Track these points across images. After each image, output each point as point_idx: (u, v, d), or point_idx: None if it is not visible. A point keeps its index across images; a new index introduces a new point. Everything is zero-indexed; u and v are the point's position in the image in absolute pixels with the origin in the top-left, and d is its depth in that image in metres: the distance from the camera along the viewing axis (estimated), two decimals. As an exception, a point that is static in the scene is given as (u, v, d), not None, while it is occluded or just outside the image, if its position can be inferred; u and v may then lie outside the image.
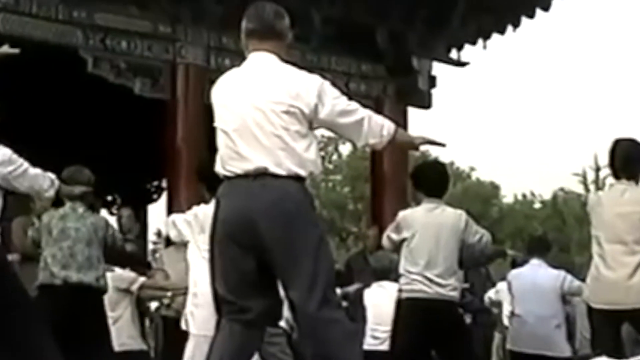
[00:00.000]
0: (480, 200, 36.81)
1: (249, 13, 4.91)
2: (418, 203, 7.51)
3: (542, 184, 49.72)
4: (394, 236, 7.40)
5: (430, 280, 7.21)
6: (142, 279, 9.83)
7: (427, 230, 7.24)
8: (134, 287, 9.78)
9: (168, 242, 10.85)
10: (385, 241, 7.59)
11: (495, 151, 57.39)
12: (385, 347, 9.36)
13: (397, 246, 7.46)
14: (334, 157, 39.20)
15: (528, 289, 8.89)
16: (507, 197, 40.47)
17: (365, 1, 12.90)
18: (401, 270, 7.33)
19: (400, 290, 7.37)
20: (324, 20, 12.60)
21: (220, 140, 4.76)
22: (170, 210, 12.00)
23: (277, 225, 4.56)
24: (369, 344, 9.39)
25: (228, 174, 4.68)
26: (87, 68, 11.36)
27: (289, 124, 4.64)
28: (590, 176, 34.42)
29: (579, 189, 34.96)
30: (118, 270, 9.58)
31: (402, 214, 7.44)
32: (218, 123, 4.79)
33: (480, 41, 14.23)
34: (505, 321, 10.42)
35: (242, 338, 4.70)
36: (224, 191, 4.73)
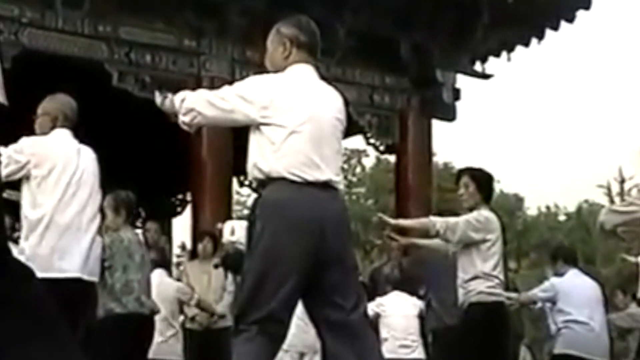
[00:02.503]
0: (504, 212, 36.60)
1: (302, 25, 4.95)
2: (471, 208, 7.32)
3: (566, 196, 49.50)
4: (474, 235, 7.18)
5: (501, 284, 7.29)
6: (197, 295, 9.85)
7: (500, 236, 7.31)
8: (193, 302, 9.82)
9: (192, 255, 10.89)
10: (450, 234, 7.18)
11: (519, 163, 57.22)
12: (416, 355, 9.45)
13: (463, 244, 7.28)
14: (358, 169, 39.17)
15: (583, 297, 8.91)
16: (531, 209, 40.29)
17: (389, 14, 12.91)
18: (478, 272, 7.18)
19: (479, 293, 7.19)
20: (348, 33, 12.63)
21: (289, 141, 4.67)
22: (195, 223, 12.04)
23: (341, 236, 4.73)
24: (398, 353, 9.45)
25: (294, 178, 4.65)
26: (112, 82, 11.43)
27: (341, 142, 4.93)
28: (615, 188, 34.26)
29: (604, 201, 34.74)
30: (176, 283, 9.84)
31: (486, 214, 7.29)
32: (284, 121, 4.69)
33: (504, 53, 14.21)
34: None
35: (268, 352, 4.71)
36: (288, 195, 4.66)
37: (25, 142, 6.11)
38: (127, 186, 8.19)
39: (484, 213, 7.30)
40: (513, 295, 9.07)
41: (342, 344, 4.68)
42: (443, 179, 27.36)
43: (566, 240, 31.15)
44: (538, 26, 13.71)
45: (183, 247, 12.34)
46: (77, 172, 6.11)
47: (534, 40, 13.91)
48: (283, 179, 4.65)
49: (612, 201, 33.56)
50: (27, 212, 6.05)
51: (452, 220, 7.26)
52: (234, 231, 7.64)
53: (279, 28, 4.94)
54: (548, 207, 40.43)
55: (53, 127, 6.27)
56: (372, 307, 9.59)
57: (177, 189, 17.46)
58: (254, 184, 4.82)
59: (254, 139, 4.77)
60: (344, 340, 4.69)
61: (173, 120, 4.93)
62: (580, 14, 13.48)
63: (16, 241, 8.88)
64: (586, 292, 8.98)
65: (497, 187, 41.50)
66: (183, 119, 4.84)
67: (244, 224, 7.35)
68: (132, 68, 11.50)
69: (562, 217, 40.16)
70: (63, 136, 6.26)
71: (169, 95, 4.94)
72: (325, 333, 4.74)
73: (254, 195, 5.08)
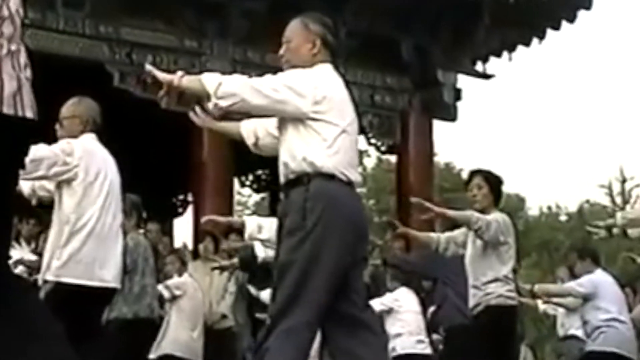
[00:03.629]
0: (505, 212, 36.61)
1: (328, 25, 4.94)
2: (482, 210, 7.22)
3: (568, 196, 49.58)
4: (501, 236, 7.13)
5: (515, 288, 7.36)
6: None
7: (515, 240, 7.33)
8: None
9: (195, 255, 10.89)
10: (486, 232, 7.06)
11: (521, 163, 57.20)
12: (428, 350, 9.53)
13: (485, 245, 7.22)
14: (359, 169, 39.23)
15: (617, 296, 8.93)
16: (533, 209, 40.28)
17: (390, 14, 12.91)
18: (498, 275, 7.14)
19: (499, 296, 7.14)
20: (350, 33, 12.61)
21: (340, 139, 4.66)
22: (197, 224, 12.03)
23: (367, 236, 4.90)
24: (416, 348, 9.54)
25: (342, 177, 4.65)
26: (113, 82, 11.43)
27: None
28: (616, 188, 34.21)
29: (605, 201, 34.74)
30: None
31: (506, 218, 7.29)
32: (336, 119, 4.67)
33: (505, 53, 14.23)
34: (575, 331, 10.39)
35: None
36: (341, 194, 4.65)
37: (73, 144, 5.94)
38: (128, 187, 8.18)
39: (505, 216, 7.28)
40: (534, 287, 8.99)
41: (355, 341, 4.66)
42: (444, 180, 27.39)
43: (567, 241, 31.13)
44: (539, 26, 13.72)
45: (184, 247, 12.35)
46: (113, 180, 6.04)
47: (535, 40, 13.92)
48: (332, 176, 4.62)
49: (613, 201, 33.56)
50: (68, 217, 5.82)
51: (487, 217, 7.13)
52: (261, 229, 7.44)
53: (308, 24, 4.86)
54: (549, 207, 40.42)
55: (82, 131, 6.11)
56: (386, 302, 9.63)
57: (178, 189, 17.47)
58: (290, 176, 4.67)
59: (295, 132, 4.67)
60: (356, 336, 4.67)
61: (159, 100, 4.83)
62: (581, 13, 13.50)
63: (17, 240, 8.91)
64: (618, 290, 8.95)
65: (499, 188, 41.26)
66: (219, 102, 4.61)
67: (273, 222, 7.26)
68: (133, 68, 11.50)
69: (563, 217, 40.15)
70: (96, 142, 6.14)
71: (181, 73, 4.77)
72: (337, 329, 4.67)
73: (278, 192, 5.05)
